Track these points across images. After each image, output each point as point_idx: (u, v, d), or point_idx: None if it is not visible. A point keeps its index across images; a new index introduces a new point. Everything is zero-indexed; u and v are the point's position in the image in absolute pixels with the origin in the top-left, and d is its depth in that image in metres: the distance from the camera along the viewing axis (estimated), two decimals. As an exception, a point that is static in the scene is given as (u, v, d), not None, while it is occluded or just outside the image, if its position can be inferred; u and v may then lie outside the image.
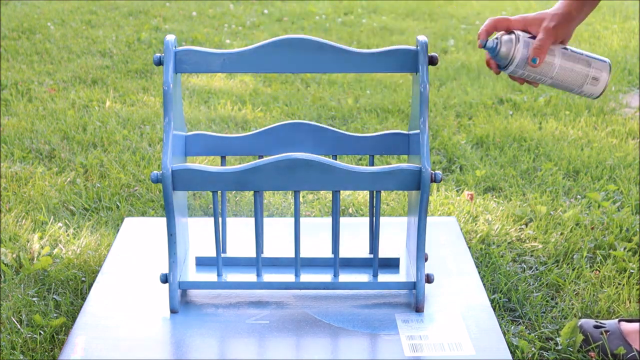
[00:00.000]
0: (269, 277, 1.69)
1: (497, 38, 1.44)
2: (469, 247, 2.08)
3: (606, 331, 1.73)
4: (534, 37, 1.44)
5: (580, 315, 1.89)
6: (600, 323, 1.75)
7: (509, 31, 1.46)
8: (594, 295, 1.98)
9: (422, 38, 1.63)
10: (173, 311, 1.63)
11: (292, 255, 1.75)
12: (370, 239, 1.78)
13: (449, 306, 1.67)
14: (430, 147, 2.96)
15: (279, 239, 1.88)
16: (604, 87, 1.46)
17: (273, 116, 3.36)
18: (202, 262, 1.76)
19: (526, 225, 2.36)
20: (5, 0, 6.06)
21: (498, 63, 1.46)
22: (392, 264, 1.76)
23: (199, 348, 1.52)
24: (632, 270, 2.08)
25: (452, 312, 1.64)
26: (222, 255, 1.75)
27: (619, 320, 1.76)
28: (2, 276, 2.03)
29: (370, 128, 3.20)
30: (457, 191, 2.60)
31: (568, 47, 1.46)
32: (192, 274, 1.73)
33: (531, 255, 2.18)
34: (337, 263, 1.67)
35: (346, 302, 1.67)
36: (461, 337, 1.56)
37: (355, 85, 3.82)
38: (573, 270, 2.09)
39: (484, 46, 1.44)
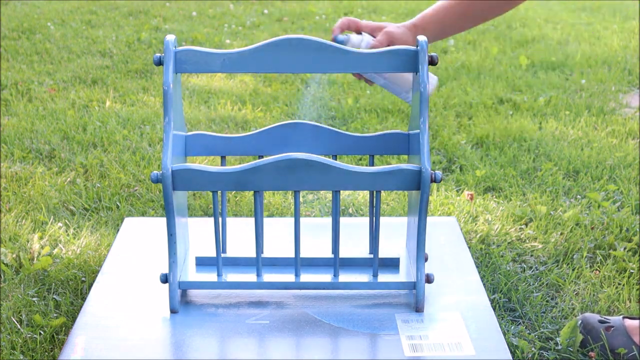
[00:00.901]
0: (269, 277, 1.69)
1: (347, 35, 1.66)
2: (469, 247, 2.08)
3: (610, 327, 1.73)
4: None
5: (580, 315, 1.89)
6: (605, 318, 1.75)
7: (359, 32, 1.67)
8: (594, 295, 1.98)
9: (422, 38, 1.63)
10: (173, 311, 1.63)
11: (292, 255, 1.75)
12: (370, 239, 1.78)
13: (449, 306, 1.67)
14: (430, 147, 2.97)
15: (279, 239, 1.88)
16: (429, 94, 1.64)
17: (273, 116, 3.36)
18: (202, 262, 1.76)
19: (526, 225, 2.36)
20: (5, 0, 6.06)
21: None
22: (392, 264, 1.76)
23: (199, 348, 1.52)
24: (632, 270, 2.08)
25: (452, 312, 1.64)
26: (222, 255, 1.75)
27: (624, 317, 1.76)
28: (2, 276, 2.03)
29: (370, 128, 3.20)
30: (457, 191, 2.60)
31: None
32: (192, 274, 1.72)
33: (531, 255, 2.19)
34: (337, 263, 1.67)
35: (346, 302, 1.67)
36: (461, 337, 1.56)
37: (355, 85, 3.82)
38: (573, 270, 2.09)
39: (335, 39, 1.65)
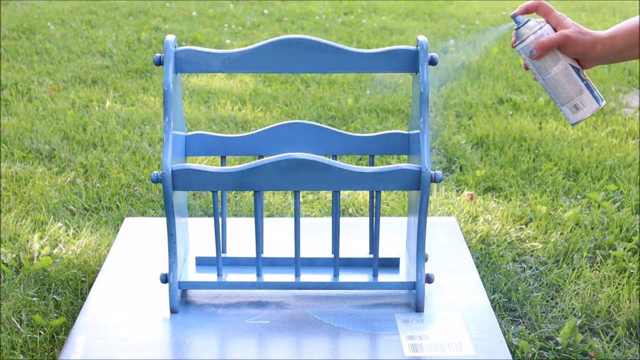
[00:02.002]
0: (269, 277, 1.69)
1: (529, 19, 1.50)
2: (469, 247, 2.08)
3: None
4: None
5: (580, 315, 1.89)
6: None
7: (542, 21, 1.50)
8: (594, 295, 1.98)
9: (422, 38, 1.63)
10: (173, 311, 1.63)
11: (292, 255, 1.75)
12: (370, 239, 1.78)
13: (449, 306, 1.67)
14: (430, 147, 2.97)
15: (279, 239, 1.88)
16: (580, 120, 1.50)
17: (273, 116, 3.36)
18: (202, 262, 1.76)
19: (526, 225, 2.36)
20: (5, 0, 6.06)
21: (516, 37, 1.51)
22: (392, 264, 1.76)
23: (199, 348, 1.52)
24: (632, 270, 2.08)
25: (452, 312, 1.64)
26: (222, 255, 1.75)
27: None
28: (2, 276, 2.03)
29: (370, 128, 3.20)
30: (457, 191, 2.60)
31: (580, 69, 1.49)
32: (192, 274, 1.73)
33: (531, 255, 2.19)
34: (337, 263, 1.67)
35: (346, 302, 1.67)
36: (461, 337, 1.56)
37: (355, 85, 3.82)
38: (573, 270, 2.09)
39: (514, 16, 1.50)
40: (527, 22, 1.49)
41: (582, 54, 1.46)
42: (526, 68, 1.53)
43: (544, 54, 1.47)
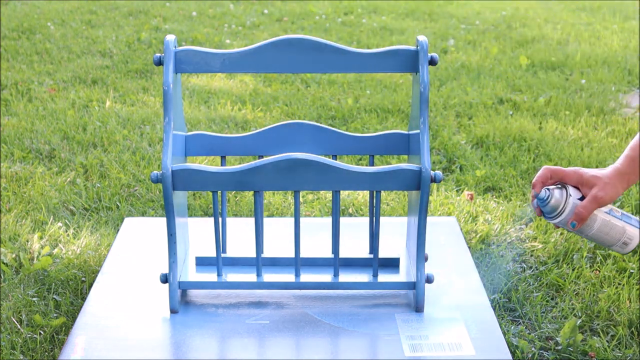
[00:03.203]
0: (269, 277, 1.69)
1: (549, 190, 1.49)
2: (469, 247, 2.08)
3: None
4: (583, 198, 1.48)
5: (580, 315, 1.89)
6: None
7: (560, 184, 1.50)
8: (594, 295, 1.98)
9: (422, 38, 1.63)
10: (173, 311, 1.63)
11: (292, 255, 1.75)
12: (370, 239, 1.78)
13: (449, 306, 1.67)
14: (430, 147, 2.97)
15: (279, 239, 1.88)
16: (632, 249, 1.53)
17: (273, 116, 3.36)
18: (202, 262, 1.76)
19: (526, 225, 2.36)
20: (5, 0, 6.06)
21: (543, 210, 1.50)
22: (392, 264, 1.76)
23: (199, 348, 1.52)
24: (632, 270, 2.08)
25: (452, 312, 1.64)
26: (222, 255, 1.75)
27: None
28: (2, 276, 2.03)
29: (370, 128, 3.20)
30: (457, 191, 2.60)
31: (612, 209, 1.51)
32: (192, 274, 1.73)
33: (531, 255, 2.19)
34: (337, 263, 1.67)
35: (346, 302, 1.67)
36: (461, 337, 1.56)
37: (355, 85, 3.82)
38: (573, 270, 2.09)
39: (535, 196, 1.49)
40: (552, 195, 1.48)
41: (612, 199, 1.49)
42: (556, 226, 1.54)
43: (585, 222, 1.48)
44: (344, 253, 1.77)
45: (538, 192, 1.49)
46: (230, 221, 1.99)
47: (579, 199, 1.48)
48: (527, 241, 2.27)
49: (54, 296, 1.94)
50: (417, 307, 1.64)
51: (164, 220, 2.03)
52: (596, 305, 1.93)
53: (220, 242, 1.68)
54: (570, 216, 1.47)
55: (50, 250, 2.16)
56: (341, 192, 2.43)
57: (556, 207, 1.48)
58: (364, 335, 1.56)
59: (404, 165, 1.56)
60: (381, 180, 1.56)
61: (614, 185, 1.47)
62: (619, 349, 1.77)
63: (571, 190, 1.49)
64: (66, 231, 2.28)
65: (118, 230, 2.17)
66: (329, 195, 2.53)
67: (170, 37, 1.63)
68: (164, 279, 1.62)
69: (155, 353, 1.51)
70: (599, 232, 1.50)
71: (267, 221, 1.96)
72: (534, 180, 1.50)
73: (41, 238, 2.23)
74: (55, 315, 1.87)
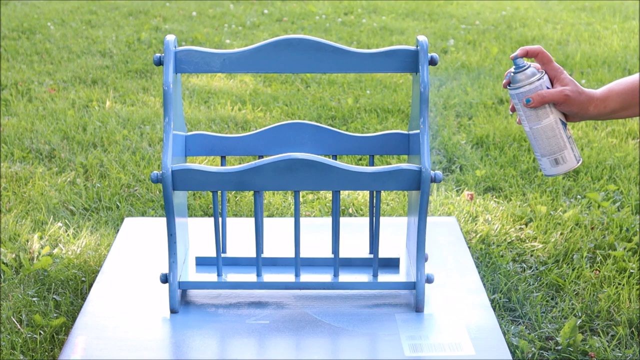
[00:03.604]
0: (269, 277, 1.69)
1: (528, 65, 1.49)
2: (469, 247, 2.08)
3: None
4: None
5: (580, 315, 1.89)
6: None
7: (541, 69, 1.50)
8: (594, 295, 1.98)
9: (422, 38, 1.63)
10: (173, 311, 1.63)
11: (292, 255, 1.75)
12: (370, 239, 1.78)
13: (449, 306, 1.67)
14: (430, 147, 2.97)
15: (279, 239, 1.88)
16: (556, 174, 1.52)
17: (273, 116, 3.36)
18: (202, 262, 1.76)
19: (526, 225, 2.36)
20: (5, 0, 6.06)
21: (510, 79, 1.50)
22: (392, 264, 1.76)
23: (199, 348, 1.52)
24: (632, 270, 2.08)
25: (452, 312, 1.64)
26: (222, 255, 1.75)
27: None
28: (2, 276, 2.03)
29: (370, 128, 3.20)
30: (457, 191, 2.60)
31: (567, 124, 1.51)
32: (192, 274, 1.73)
33: (531, 255, 2.19)
34: (337, 263, 1.67)
35: (346, 302, 1.67)
36: (461, 337, 1.56)
37: (355, 85, 3.82)
38: (573, 270, 2.09)
39: (514, 58, 1.49)
40: (526, 68, 1.48)
41: (575, 113, 1.49)
42: (512, 110, 1.54)
43: (539, 106, 1.48)
44: (344, 253, 1.77)
45: (519, 55, 1.48)
46: (230, 221, 1.99)
47: (547, 87, 1.48)
48: (527, 241, 2.27)
49: (54, 296, 1.94)
50: (417, 307, 1.64)
51: (164, 220, 2.03)
52: (596, 305, 1.93)
53: (220, 242, 1.68)
54: (530, 93, 1.47)
55: (50, 250, 2.16)
56: (341, 192, 2.43)
57: (523, 79, 1.48)
58: (364, 335, 1.56)
59: (404, 165, 1.56)
60: (381, 180, 1.56)
61: (584, 100, 1.47)
62: (619, 349, 1.77)
63: (546, 77, 1.49)
64: (66, 231, 2.28)
65: (118, 230, 2.17)
66: (329, 195, 2.53)
67: (170, 37, 1.63)
68: (164, 279, 1.62)
69: (155, 353, 1.51)
70: (542, 131, 1.48)
71: (267, 221, 1.96)
72: (522, 47, 1.50)
73: (41, 238, 2.23)
74: (55, 315, 1.87)
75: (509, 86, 1.50)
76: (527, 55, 1.49)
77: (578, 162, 1.51)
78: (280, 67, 1.66)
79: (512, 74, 1.49)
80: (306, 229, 1.90)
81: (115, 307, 1.66)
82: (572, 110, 1.48)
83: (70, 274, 2.03)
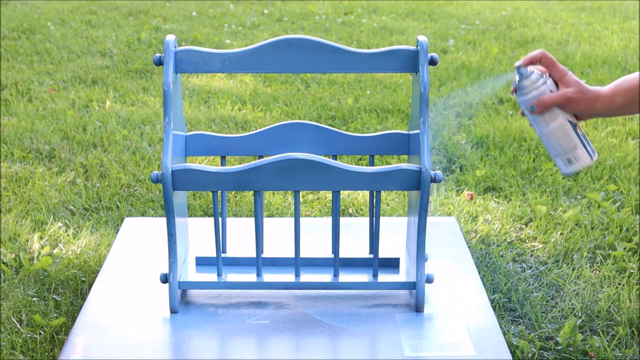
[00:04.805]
0: (269, 277, 1.69)
1: (532, 71, 1.50)
2: (469, 247, 2.08)
3: None
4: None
5: (580, 315, 1.89)
6: None
7: (545, 73, 1.51)
8: (594, 295, 1.98)
9: (422, 38, 1.63)
10: (173, 311, 1.63)
11: (292, 255, 1.75)
12: (370, 239, 1.78)
13: (449, 306, 1.67)
14: (430, 147, 2.97)
15: (279, 239, 1.88)
16: (571, 173, 1.53)
17: (273, 116, 3.36)
18: (202, 262, 1.76)
19: (526, 225, 2.36)
20: (5, 0, 6.06)
21: (516, 87, 1.52)
22: (392, 264, 1.76)
23: (199, 348, 1.52)
24: (632, 270, 2.08)
25: (452, 312, 1.64)
26: (222, 255, 1.75)
27: None
28: (2, 276, 2.03)
29: (370, 128, 3.20)
30: (457, 191, 2.60)
31: (576, 124, 1.51)
32: (192, 274, 1.72)
33: (531, 255, 2.19)
34: (337, 263, 1.67)
35: (346, 302, 1.67)
36: (461, 337, 1.56)
37: (355, 85, 3.82)
38: (573, 270, 2.09)
39: (518, 67, 1.50)
40: (530, 75, 1.50)
41: (582, 112, 1.49)
42: (523, 114, 1.55)
43: (544, 112, 1.49)
44: (344, 253, 1.77)
45: (524, 64, 1.50)
46: (230, 221, 1.98)
47: (551, 90, 1.49)
48: (527, 241, 2.27)
49: (54, 296, 1.94)
50: (417, 307, 1.64)
51: (164, 220, 2.03)
52: (596, 305, 1.93)
53: (220, 242, 1.68)
54: (534, 100, 1.48)
55: (50, 250, 2.16)
56: (341, 192, 2.43)
57: (527, 86, 1.49)
58: (364, 335, 1.56)
59: (404, 165, 1.56)
60: (381, 180, 1.56)
61: (589, 98, 1.48)
62: (619, 349, 1.77)
63: (550, 81, 1.50)
64: (66, 231, 2.28)
65: (118, 230, 2.17)
66: (329, 195, 2.53)
67: (170, 37, 1.63)
68: (164, 279, 1.62)
69: (155, 353, 1.51)
70: (552, 133, 1.50)
71: (267, 221, 1.96)
72: (525, 56, 1.51)
73: (41, 238, 2.23)
74: (55, 315, 1.87)
75: (516, 94, 1.51)
76: (530, 63, 1.50)
77: (593, 159, 1.52)
78: (280, 67, 1.66)
79: (517, 82, 1.50)
80: (306, 229, 1.90)
81: (115, 307, 1.66)
82: (578, 109, 1.48)
83: (70, 274, 2.03)
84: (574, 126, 1.51)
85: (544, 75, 1.50)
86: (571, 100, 1.47)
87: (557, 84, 1.50)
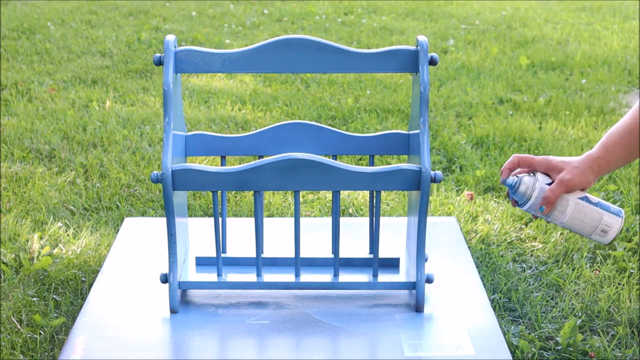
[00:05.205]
0: (269, 277, 1.69)
1: (518, 177, 1.49)
2: (469, 247, 2.08)
3: None
4: (552, 184, 1.48)
5: (580, 315, 1.89)
6: None
7: (530, 171, 1.50)
8: (594, 295, 1.98)
9: (422, 38, 1.63)
10: (173, 311, 1.63)
11: (292, 255, 1.75)
12: (370, 239, 1.78)
13: (449, 306, 1.67)
14: (430, 147, 2.96)
15: (279, 239, 1.88)
16: (613, 238, 1.51)
17: (273, 116, 3.36)
18: (202, 262, 1.76)
19: (526, 225, 2.36)
20: (5, 0, 6.07)
21: (515, 199, 1.50)
22: (392, 264, 1.76)
23: (199, 348, 1.52)
24: (632, 270, 2.08)
25: (452, 312, 1.64)
26: (222, 255, 1.75)
27: None
28: (2, 276, 2.03)
29: (370, 128, 3.20)
30: (457, 191, 2.60)
31: (586, 195, 1.50)
32: (192, 274, 1.73)
33: (531, 255, 2.19)
34: (337, 263, 1.67)
35: (346, 302, 1.67)
36: (461, 337, 1.56)
37: (355, 85, 3.82)
38: (573, 270, 2.09)
39: (504, 183, 1.49)
40: (521, 181, 1.48)
41: (584, 184, 1.48)
42: (536, 218, 1.54)
43: (552, 207, 1.47)
44: (344, 253, 1.77)
45: (505, 178, 1.49)
46: (230, 221, 1.99)
47: (547, 184, 1.47)
48: (527, 241, 2.27)
49: (54, 296, 1.94)
50: (417, 307, 1.64)
51: (164, 220, 2.03)
52: (596, 305, 1.93)
53: (220, 242, 1.68)
54: (539, 201, 1.47)
55: (50, 250, 2.16)
56: (341, 192, 2.43)
57: (525, 192, 1.48)
58: (364, 335, 1.56)
59: (404, 165, 1.56)
60: (381, 180, 1.56)
61: (582, 170, 1.47)
62: (619, 349, 1.77)
63: (540, 176, 1.48)
64: (66, 231, 2.28)
65: (118, 230, 2.17)
66: (329, 195, 2.53)
67: (170, 37, 1.63)
68: (164, 279, 1.62)
69: (155, 353, 1.51)
70: (572, 218, 1.48)
71: (267, 221, 1.96)
72: (502, 168, 1.51)
73: (41, 238, 2.23)
74: (55, 315, 1.87)
75: (518, 206, 1.50)
76: (511, 172, 1.49)
77: (622, 217, 1.49)
78: (280, 67, 1.66)
79: (512, 195, 1.49)
80: (306, 229, 1.90)
81: (115, 307, 1.66)
82: (580, 184, 1.47)
83: (70, 274, 2.03)
84: (586, 199, 1.49)
85: (532, 174, 1.49)
86: (571, 181, 1.46)
87: (546, 174, 1.49)
